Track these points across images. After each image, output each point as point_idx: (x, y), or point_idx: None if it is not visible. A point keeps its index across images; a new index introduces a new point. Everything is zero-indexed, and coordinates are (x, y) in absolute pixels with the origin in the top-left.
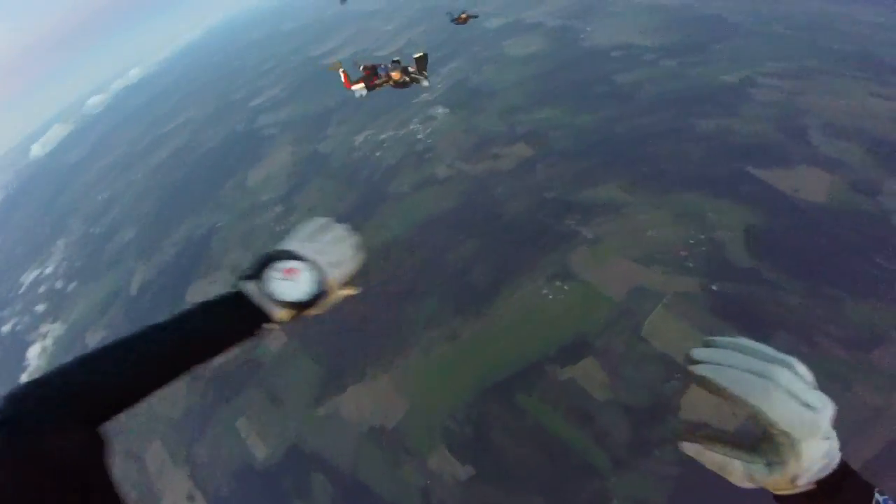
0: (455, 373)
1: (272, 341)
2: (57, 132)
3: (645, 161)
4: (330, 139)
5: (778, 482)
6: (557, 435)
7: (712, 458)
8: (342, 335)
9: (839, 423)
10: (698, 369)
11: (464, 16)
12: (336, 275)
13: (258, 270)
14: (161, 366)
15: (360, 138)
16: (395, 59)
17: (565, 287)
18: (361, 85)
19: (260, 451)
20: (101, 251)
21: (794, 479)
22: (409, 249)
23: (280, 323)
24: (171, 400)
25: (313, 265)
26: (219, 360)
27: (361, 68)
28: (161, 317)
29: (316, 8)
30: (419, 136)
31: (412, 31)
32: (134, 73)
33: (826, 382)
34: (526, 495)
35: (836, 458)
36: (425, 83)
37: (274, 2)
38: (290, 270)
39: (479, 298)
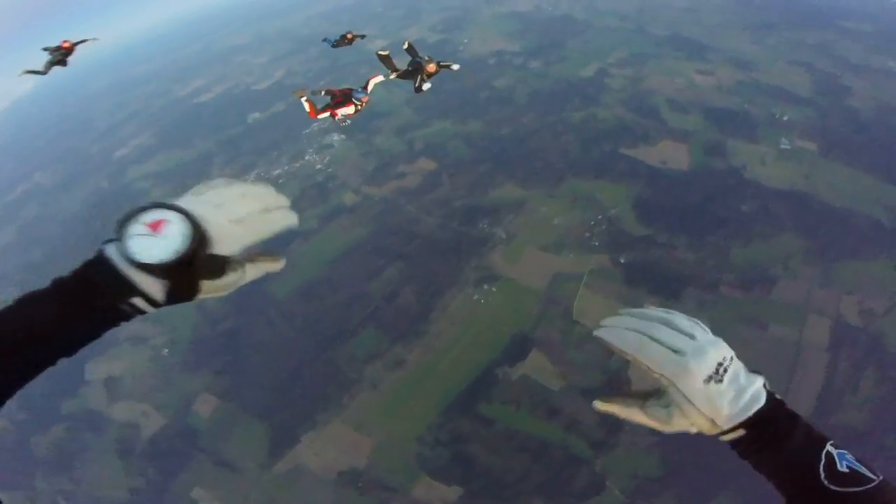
0: (411, 399)
1: (201, 406)
2: None
3: (533, 156)
4: None
5: (700, 425)
6: (530, 433)
7: (619, 409)
8: (278, 388)
9: (772, 366)
10: (596, 332)
11: (350, 35)
12: (237, 233)
13: (120, 227)
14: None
15: (250, 178)
16: (406, 45)
17: (493, 289)
18: (328, 115)
19: None
20: None
21: (712, 421)
22: (330, 287)
23: (157, 302)
24: (108, 482)
25: (188, 215)
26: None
27: (323, 93)
28: None
29: (170, 48)
30: (318, 167)
31: (289, 61)
32: None
33: (741, 326)
34: (523, 499)
35: (754, 400)
36: (455, 66)
37: (117, 47)
38: (156, 223)
39: (414, 320)
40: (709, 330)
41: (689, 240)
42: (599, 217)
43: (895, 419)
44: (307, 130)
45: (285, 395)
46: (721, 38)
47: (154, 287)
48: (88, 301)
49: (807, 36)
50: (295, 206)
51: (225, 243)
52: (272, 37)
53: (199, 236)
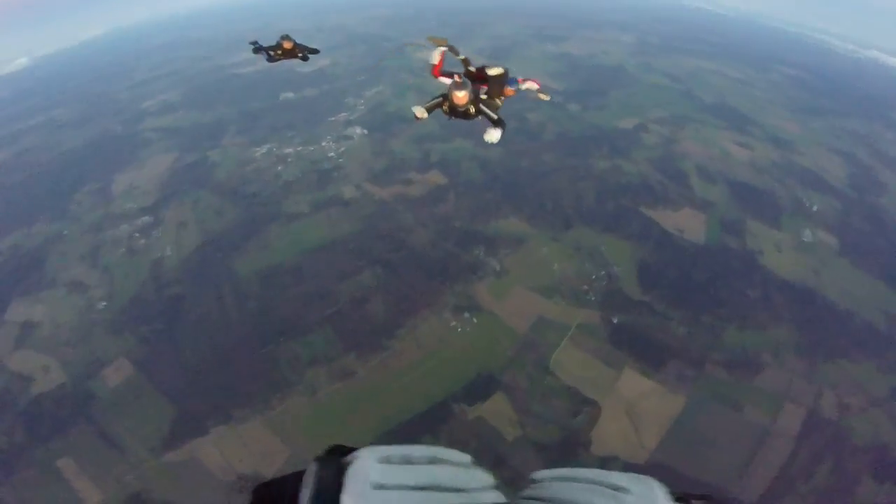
0: (350, 415)
1: (112, 372)
2: None
3: (547, 195)
4: (223, 148)
5: None
6: None
7: None
8: (202, 370)
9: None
10: None
11: (288, 45)
12: None
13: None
14: None
15: (260, 150)
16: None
17: (473, 319)
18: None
19: (91, 498)
20: None
21: None
22: (296, 276)
23: None
24: None
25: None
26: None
27: (461, 58)
28: None
29: (230, 20)
30: (330, 154)
31: (337, 53)
32: (19, 63)
33: (717, 405)
34: None
35: None
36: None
37: (186, 9)
38: None
39: (378, 332)
40: (633, 489)
41: (686, 315)
42: (602, 272)
43: None
44: (332, 118)
45: (206, 380)
46: (767, 115)
47: None
48: None
49: (858, 125)
50: (291, 187)
51: None
52: (329, 28)
53: None
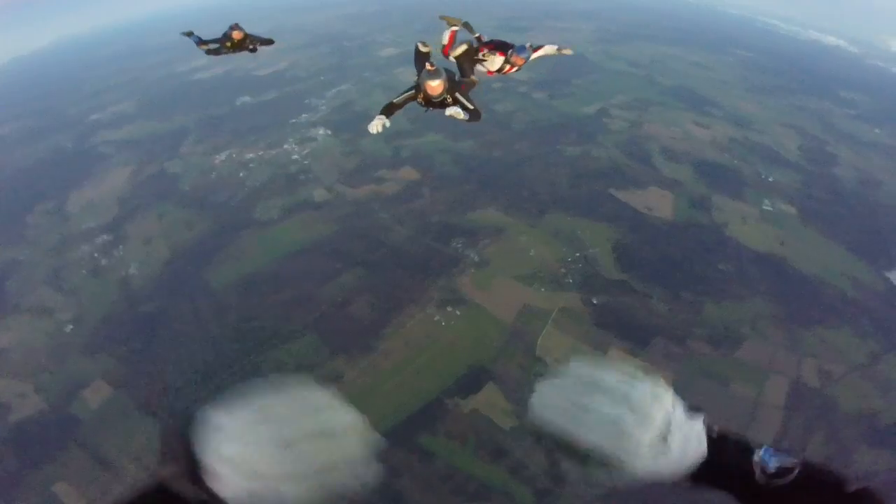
0: None
1: (91, 394)
2: None
3: (521, 184)
4: (181, 159)
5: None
6: (472, 474)
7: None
8: (184, 387)
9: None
10: (532, 413)
11: (238, 35)
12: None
13: None
14: None
15: (220, 157)
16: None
17: (457, 312)
18: (462, 50)
19: None
20: None
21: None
22: (275, 284)
23: None
24: None
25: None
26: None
27: (476, 37)
28: None
29: (187, 25)
30: (294, 157)
31: (297, 54)
32: None
33: (704, 381)
34: None
35: (694, 454)
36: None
37: (141, 17)
38: None
39: (364, 333)
40: (642, 378)
41: (665, 291)
42: (577, 255)
43: None
44: (294, 120)
45: (188, 396)
46: (724, 96)
47: None
48: None
49: (806, 102)
50: (259, 193)
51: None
52: (290, 29)
53: None
